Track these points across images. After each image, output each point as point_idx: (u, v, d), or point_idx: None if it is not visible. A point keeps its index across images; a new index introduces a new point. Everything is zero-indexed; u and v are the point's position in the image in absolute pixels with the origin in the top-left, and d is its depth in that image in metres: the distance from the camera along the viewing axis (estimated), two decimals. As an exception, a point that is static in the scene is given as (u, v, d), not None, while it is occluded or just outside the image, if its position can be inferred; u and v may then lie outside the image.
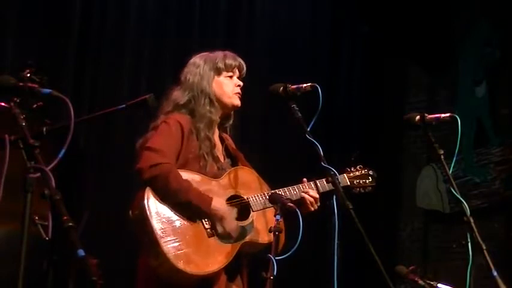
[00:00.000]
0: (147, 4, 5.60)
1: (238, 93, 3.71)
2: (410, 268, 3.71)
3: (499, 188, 6.65)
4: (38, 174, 2.57)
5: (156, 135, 3.54)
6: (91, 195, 5.12)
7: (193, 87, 3.66)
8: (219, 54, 3.74)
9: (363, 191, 3.90)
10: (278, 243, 3.25)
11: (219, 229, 3.46)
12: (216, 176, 3.58)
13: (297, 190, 3.65)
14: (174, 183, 3.41)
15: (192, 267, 3.36)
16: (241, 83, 3.73)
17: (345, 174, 3.86)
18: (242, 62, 3.76)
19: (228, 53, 3.76)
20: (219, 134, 3.76)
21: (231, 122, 3.79)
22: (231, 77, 3.71)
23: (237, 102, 3.71)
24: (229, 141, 3.80)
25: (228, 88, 3.69)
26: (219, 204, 3.48)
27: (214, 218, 3.46)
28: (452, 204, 6.62)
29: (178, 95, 3.67)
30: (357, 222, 3.23)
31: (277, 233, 3.22)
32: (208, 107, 3.64)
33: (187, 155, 3.55)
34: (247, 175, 3.68)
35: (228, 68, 3.70)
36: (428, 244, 6.96)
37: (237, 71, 3.73)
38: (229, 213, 3.49)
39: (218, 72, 3.69)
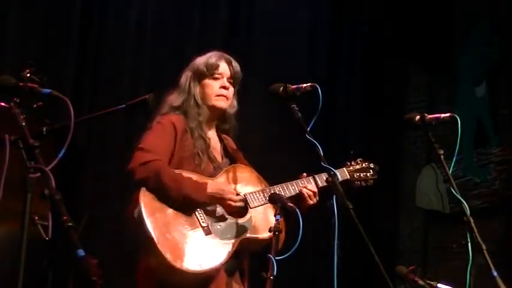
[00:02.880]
0: (147, 4, 5.60)
1: (222, 95, 3.70)
2: (410, 268, 3.70)
3: (499, 188, 6.65)
4: (38, 174, 2.58)
5: (148, 135, 3.57)
6: (91, 195, 5.12)
7: (184, 89, 3.70)
8: (205, 56, 3.75)
9: (364, 184, 3.87)
10: (278, 243, 3.25)
11: (221, 211, 3.46)
12: (212, 176, 3.59)
13: (295, 185, 3.65)
14: (166, 178, 3.42)
15: (191, 265, 3.36)
16: (226, 85, 3.70)
17: (344, 168, 3.85)
18: (233, 64, 3.72)
19: (214, 53, 3.76)
20: (218, 134, 3.76)
21: (230, 123, 3.78)
22: (217, 78, 3.70)
23: (220, 104, 3.70)
24: (229, 141, 3.80)
25: (211, 90, 3.69)
26: (214, 187, 3.48)
27: (214, 201, 3.47)
28: (452, 204, 6.61)
29: (173, 98, 3.71)
30: (357, 222, 3.23)
31: (277, 233, 3.22)
32: (196, 109, 3.67)
33: (182, 153, 3.56)
34: (245, 172, 3.68)
35: (210, 69, 3.69)
36: (428, 244, 6.95)
37: (226, 72, 3.71)
38: (228, 190, 3.50)
39: (203, 74, 3.70)
